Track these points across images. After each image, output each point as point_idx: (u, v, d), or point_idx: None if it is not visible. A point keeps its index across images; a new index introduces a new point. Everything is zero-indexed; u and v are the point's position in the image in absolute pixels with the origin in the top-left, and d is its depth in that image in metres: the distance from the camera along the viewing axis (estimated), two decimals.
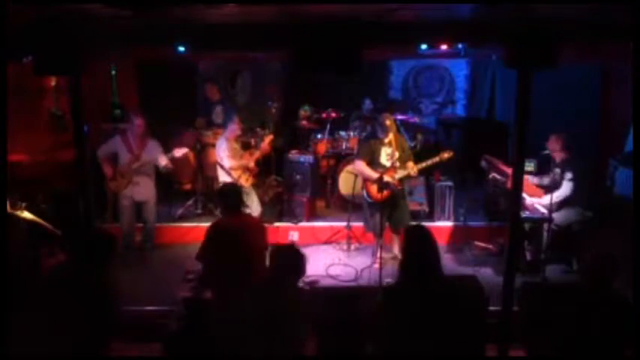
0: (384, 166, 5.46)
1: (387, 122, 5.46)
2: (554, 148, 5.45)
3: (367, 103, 7.73)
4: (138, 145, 5.61)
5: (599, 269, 2.94)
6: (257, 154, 6.18)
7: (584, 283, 3.00)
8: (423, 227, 3.03)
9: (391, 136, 5.47)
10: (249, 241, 3.62)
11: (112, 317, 3.19)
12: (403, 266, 2.80)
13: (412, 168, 5.41)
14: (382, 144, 5.53)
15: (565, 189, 5.33)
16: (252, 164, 6.08)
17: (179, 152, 5.66)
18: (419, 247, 2.76)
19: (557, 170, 5.44)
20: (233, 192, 4.18)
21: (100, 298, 3.08)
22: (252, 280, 3.53)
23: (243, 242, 3.60)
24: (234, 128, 6.05)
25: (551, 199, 5.12)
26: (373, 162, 5.52)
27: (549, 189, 5.32)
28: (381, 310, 2.74)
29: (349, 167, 6.85)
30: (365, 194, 5.63)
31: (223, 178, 5.96)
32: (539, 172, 5.86)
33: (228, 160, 5.92)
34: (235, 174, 5.85)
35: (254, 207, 6.15)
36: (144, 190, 5.68)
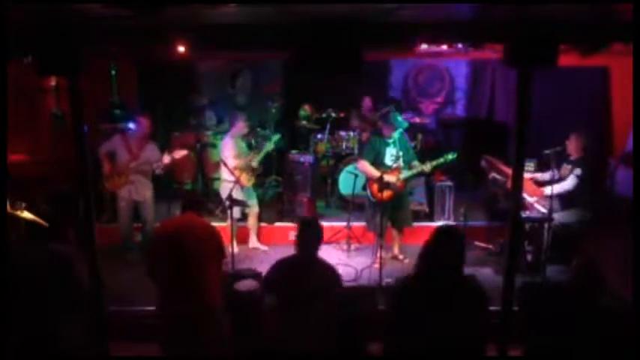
0: (388, 167, 5.47)
1: (400, 118, 5.50)
2: (573, 147, 5.44)
3: (367, 102, 7.73)
4: (137, 145, 5.63)
5: (586, 278, 2.95)
6: (262, 153, 6.13)
7: (575, 288, 3.00)
8: (454, 232, 2.95)
9: (397, 134, 5.49)
10: (193, 241, 3.58)
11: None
12: (421, 261, 2.77)
13: (426, 165, 5.44)
14: (387, 144, 5.54)
15: (570, 182, 5.32)
16: (255, 163, 6.04)
17: (179, 154, 5.68)
18: (442, 250, 2.73)
19: (568, 166, 5.44)
20: (192, 193, 4.27)
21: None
22: (200, 283, 3.55)
23: (184, 240, 3.57)
24: (240, 126, 6.04)
25: (552, 194, 5.10)
26: (377, 162, 5.52)
27: (552, 183, 5.31)
28: (393, 301, 2.74)
29: (349, 167, 6.86)
30: (368, 193, 5.64)
31: (225, 176, 5.96)
32: (539, 170, 5.87)
33: (232, 160, 5.92)
34: (237, 173, 5.85)
35: (254, 207, 6.14)
36: (141, 189, 5.69)
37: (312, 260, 3.38)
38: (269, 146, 6.25)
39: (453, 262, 2.71)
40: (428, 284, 2.69)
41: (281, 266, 3.44)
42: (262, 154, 6.16)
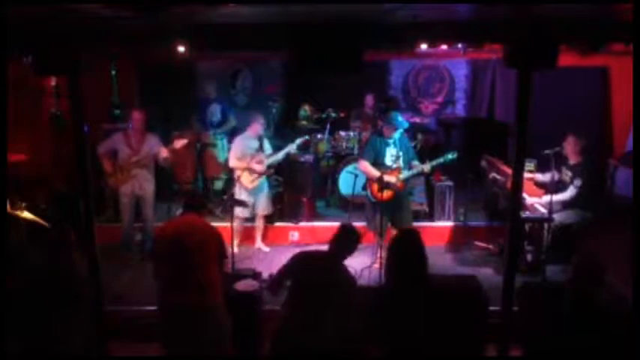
0: (388, 167, 5.47)
1: (400, 118, 5.50)
2: (571, 150, 5.42)
3: (369, 99, 7.71)
4: (137, 139, 5.66)
5: (586, 275, 2.95)
6: (275, 156, 5.99)
7: (574, 286, 3.01)
8: (411, 234, 3.02)
9: (397, 134, 5.49)
10: (193, 242, 3.59)
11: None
12: (389, 270, 2.81)
13: (426, 166, 5.44)
14: (387, 144, 5.54)
15: (570, 193, 5.34)
16: (258, 167, 5.92)
17: (179, 143, 5.69)
18: (405, 254, 2.77)
19: (568, 172, 5.43)
20: (193, 194, 4.73)
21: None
22: (201, 283, 3.58)
23: (185, 241, 3.59)
24: (255, 127, 5.95)
25: (551, 200, 5.13)
26: (377, 162, 5.52)
27: (552, 189, 5.30)
28: (372, 310, 2.76)
29: (349, 167, 6.86)
30: (368, 193, 5.64)
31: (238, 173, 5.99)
32: (540, 171, 5.87)
33: (233, 160, 5.95)
34: (238, 173, 5.87)
35: (261, 207, 6.11)
36: (144, 183, 5.70)
37: (338, 262, 3.47)
38: (291, 148, 6.08)
39: (413, 263, 2.72)
40: (398, 288, 2.71)
41: (307, 256, 3.58)
42: (282, 154, 6.07)
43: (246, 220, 6.17)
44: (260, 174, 5.95)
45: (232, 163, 5.95)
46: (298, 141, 6.14)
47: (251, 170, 5.89)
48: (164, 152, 5.61)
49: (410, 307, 2.65)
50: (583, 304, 2.91)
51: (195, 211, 3.82)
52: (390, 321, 2.67)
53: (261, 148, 6.00)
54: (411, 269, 2.72)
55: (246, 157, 5.93)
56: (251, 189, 5.95)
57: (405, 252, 2.77)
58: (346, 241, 3.52)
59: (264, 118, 6.11)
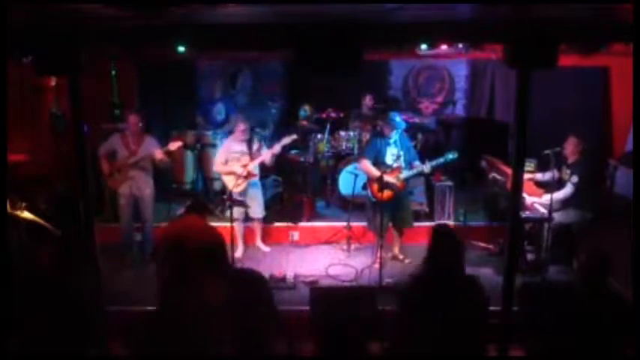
0: (389, 166, 5.47)
1: (398, 118, 5.50)
2: (571, 150, 5.43)
3: (368, 100, 7.71)
4: (135, 141, 5.66)
5: (593, 268, 2.96)
6: (259, 159, 5.92)
7: (580, 282, 3.01)
8: (448, 227, 3.08)
9: (396, 134, 5.49)
10: (194, 243, 3.62)
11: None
12: (428, 262, 2.85)
13: (426, 166, 5.44)
14: (387, 144, 5.54)
15: (567, 190, 5.35)
16: (244, 172, 5.83)
17: (174, 145, 5.69)
18: (445, 245, 2.81)
19: (567, 170, 5.45)
20: (196, 197, 4.37)
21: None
22: (202, 285, 3.60)
23: (185, 243, 3.61)
24: (241, 128, 5.93)
25: (552, 199, 5.13)
26: (378, 161, 5.52)
27: (552, 187, 5.31)
28: (402, 304, 2.79)
29: (349, 167, 6.86)
30: (369, 193, 5.64)
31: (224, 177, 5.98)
32: (540, 171, 5.87)
33: (218, 164, 5.95)
34: (226, 178, 5.86)
35: (251, 210, 6.05)
36: (141, 185, 5.69)
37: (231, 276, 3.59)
38: (276, 149, 5.97)
39: (454, 261, 2.74)
40: (435, 285, 2.72)
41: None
42: (258, 159, 6.01)
43: (245, 220, 6.14)
44: (243, 177, 5.85)
45: (216, 167, 6.00)
46: (284, 140, 5.98)
47: (234, 174, 5.85)
48: (158, 154, 5.60)
49: (436, 301, 2.68)
50: (589, 302, 2.92)
51: (197, 213, 3.83)
52: (415, 313, 2.70)
53: (248, 151, 5.92)
54: (453, 259, 2.77)
55: (232, 161, 5.89)
56: (239, 192, 5.85)
57: (449, 243, 2.82)
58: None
59: (247, 122, 6.05)
